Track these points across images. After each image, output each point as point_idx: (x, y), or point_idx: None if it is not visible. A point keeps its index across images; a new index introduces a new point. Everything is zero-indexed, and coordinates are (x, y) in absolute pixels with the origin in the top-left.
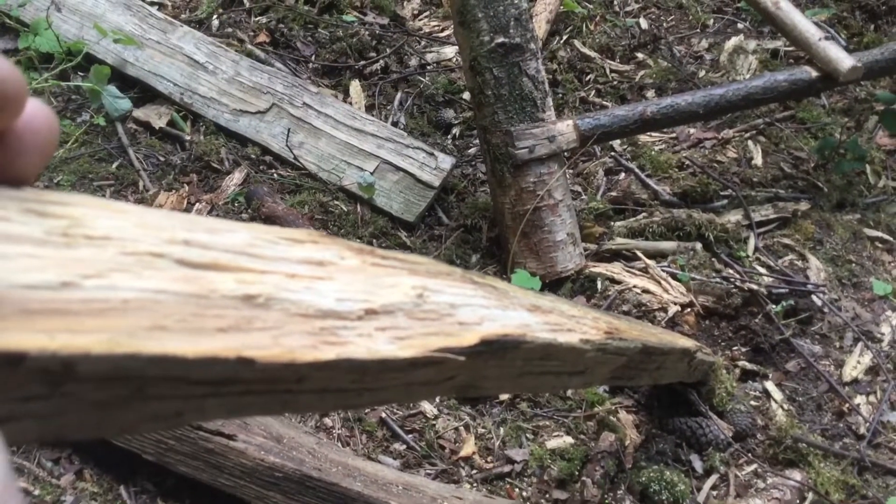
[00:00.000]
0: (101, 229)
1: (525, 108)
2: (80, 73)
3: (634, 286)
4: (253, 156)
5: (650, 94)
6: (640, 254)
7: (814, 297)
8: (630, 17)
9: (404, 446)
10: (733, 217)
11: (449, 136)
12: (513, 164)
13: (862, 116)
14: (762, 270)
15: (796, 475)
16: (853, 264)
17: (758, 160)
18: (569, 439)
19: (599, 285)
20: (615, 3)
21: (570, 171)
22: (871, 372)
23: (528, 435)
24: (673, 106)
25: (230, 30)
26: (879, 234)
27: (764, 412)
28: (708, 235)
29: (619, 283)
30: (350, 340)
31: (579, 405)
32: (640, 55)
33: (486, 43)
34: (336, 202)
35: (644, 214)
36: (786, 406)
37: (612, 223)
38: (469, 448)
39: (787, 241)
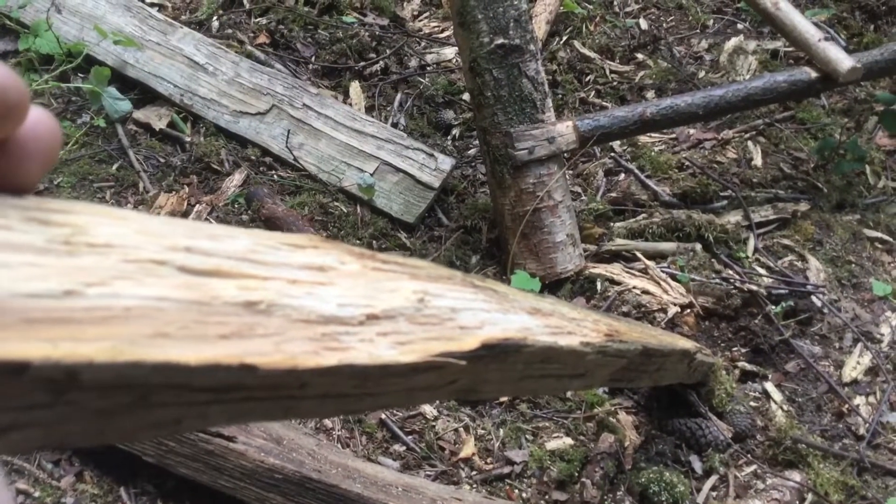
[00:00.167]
0: (103, 237)
1: (525, 110)
2: (80, 74)
3: (634, 287)
4: (253, 157)
5: (650, 94)
6: (639, 255)
7: (813, 298)
8: (630, 17)
9: (404, 448)
10: (733, 218)
11: (449, 138)
12: (512, 166)
13: (862, 117)
14: (762, 271)
15: (796, 476)
16: (853, 265)
17: (757, 161)
18: (568, 440)
19: (599, 286)
20: (615, 3)
21: (570, 172)
22: (871, 373)
23: (527, 436)
24: (672, 107)
25: (230, 31)
26: (879, 234)
27: (763, 413)
28: (708, 236)
29: (618, 284)
30: (352, 346)
31: (579, 406)
32: (639, 56)
33: (485, 44)
34: (336, 203)
35: (644, 215)
36: (785, 407)
37: (612, 224)
38: (469, 449)
39: (786, 241)
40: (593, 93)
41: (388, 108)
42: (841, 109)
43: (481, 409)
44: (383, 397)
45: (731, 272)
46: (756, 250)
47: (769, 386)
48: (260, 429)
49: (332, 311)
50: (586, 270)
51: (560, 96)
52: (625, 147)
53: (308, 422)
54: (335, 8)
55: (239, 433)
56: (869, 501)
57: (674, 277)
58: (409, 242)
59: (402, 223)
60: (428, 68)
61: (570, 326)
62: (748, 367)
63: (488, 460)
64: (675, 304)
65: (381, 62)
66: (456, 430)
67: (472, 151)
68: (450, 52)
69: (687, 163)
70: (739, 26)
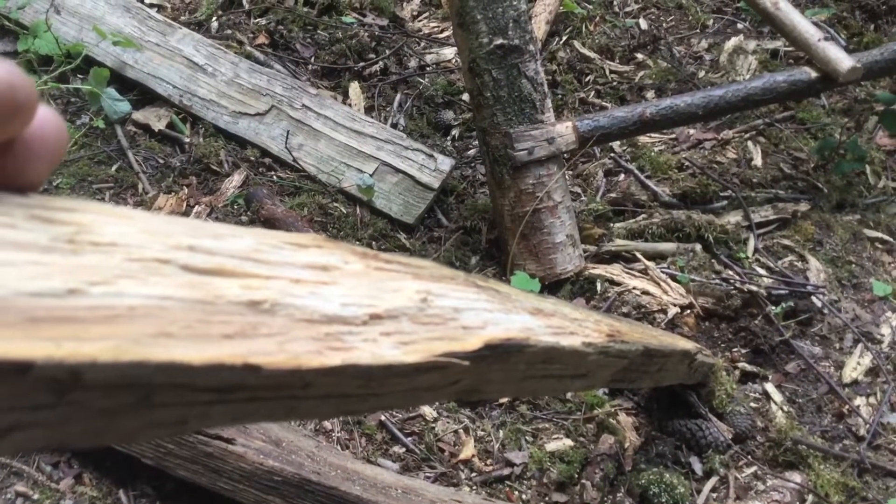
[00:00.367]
0: (107, 236)
1: (524, 110)
2: (79, 75)
3: (634, 288)
4: (252, 158)
5: (650, 94)
6: (639, 255)
7: (814, 299)
8: (630, 17)
9: (403, 449)
10: (733, 218)
11: (448, 138)
12: (512, 166)
13: (862, 117)
14: (762, 272)
15: (796, 477)
16: (853, 265)
17: (757, 161)
18: (568, 442)
19: (599, 287)
20: (615, 3)
21: (570, 172)
22: (871, 373)
23: (527, 437)
24: (672, 107)
25: (229, 32)
26: (879, 234)
27: (764, 414)
28: (707, 237)
29: (618, 284)
30: (355, 346)
31: (579, 407)
32: (639, 56)
33: (484, 44)
34: (335, 204)
35: (643, 216)
36: (786, 408)
37: (612, 224)
38: (468, 451)
39: (786, 242)
40: (593, 93)
41: (388, 109)
42: (841, 109)
43: (481, 411)
44: (386, 397)
45: (731, 273)
46: (756, 251)
47: (769, 387)
48: (259, 431)
49: (336, 310)
50: (586, 271)
51: (560, 96)
52: (624, 147)
53: (307, 423)
54: (334, 8)
55: (238, 435)
56: (869, 502)
57: (674, 278)
58: (408, 243)
59: (401, 224)
60: (427, 69)
61: (572, 327)
62: (748, 367)
63: (488, 462)
64: (675, 305)
65: (381, 62)
66: (455, 431)
67: (471, 152)
68: (449, 53)
69: (687, 163)
70: (739, 26)
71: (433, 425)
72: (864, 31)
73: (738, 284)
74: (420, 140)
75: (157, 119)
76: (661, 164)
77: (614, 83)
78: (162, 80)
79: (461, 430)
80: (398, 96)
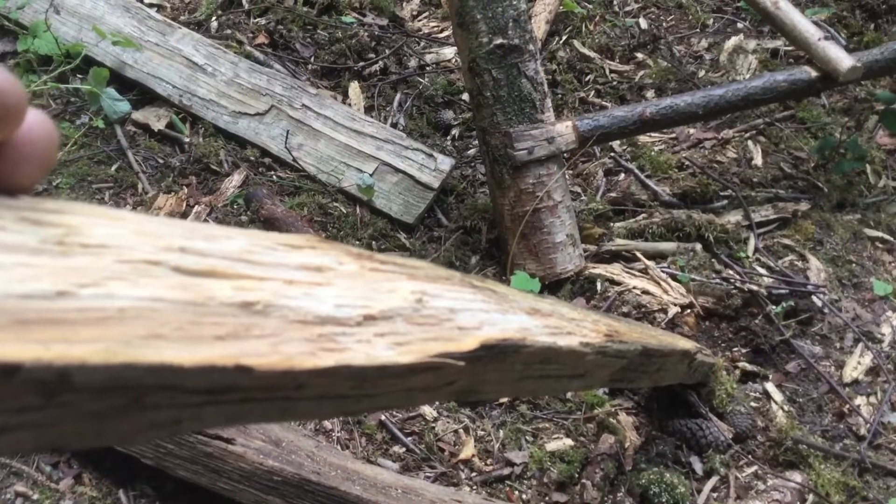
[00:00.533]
0: (97, 237)
1: (524, 110)
2: (78, 75)
3: (634, 287)
4: (252, 158)
5: (650, 94)
6: (639, 255)
7: (814, 298)
8: (629, 16)
9: (404, 449)
10: (733, 217)
11: (448, 138)
12: (512, 166)
13: (862, 116)
14: (762, 271)
15: (797, 477)
16: (853, 265)
17: (758, 160)
18: (568, 441)
19: (599, 287)
20: (615, 2)
21: (570, 172)
22: (872, 373)
23: (527, 437)
24: (672, 106)
25: (229, 31)
26: (880, 234)
27: (764, 413)
28: (708, 236)
29: (618, 284)
30: (349, 347)
31: (579, 407)
32: (639, 55)
33: (484, 44)
34: (335, 204)
35: (644, 215)
36: (786, 407)
37: (612, 224)
38: (468, 451)
39: (787, 241)
40: (593, 92)
41: (388, 109)
42: (841, 108)
43: (481, 411)
44: (381, 398)
45: (731, 272)
46: (756, 250)
47: (770, 386)
48: (259, 431)
49: (330, 311)
50: (586, 271)
51: (559, 96)
52: (624, 147)
53: (307, 423)
54: (334, 8)
55: (238, 435)
56: (870, 502)
57: (674, 277)
58: (408, 243)
59: (401, 224)
60: (427, 68)
61: (570, 327)
62: (749, 367)
63: (488, 462)
64: (675, 305)
65: (381, 62)
66: (456, 431)
67: (471, 152)
68: (449, 52)
69: (687, 162)
70: (739, 25)
71: (433, 425)
72: (865, 30)
73: (738, 284)
74: (420, 140)
75: (156, 119)
76: (661, 163)
77: (614, 83)
78: (161, 80)
79: (461, 430)
80: (398, 96)
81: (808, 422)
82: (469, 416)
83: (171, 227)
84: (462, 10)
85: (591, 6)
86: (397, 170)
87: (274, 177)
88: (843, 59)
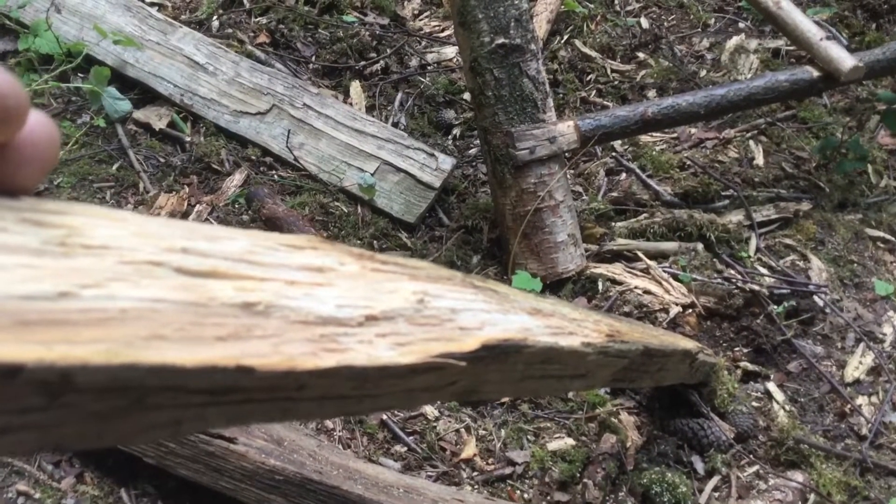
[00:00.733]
0: (98, 238)
1: (526, 109)
2: (80, 74)
3: (636, 287)
4: (253, 157)
5: (651, 93)
6: (641, 254)
7: (815, 298)
8: (631, 16)
9: (405, 448)
10: (735, 217)
11: (449, 137)
12: (513, 165)
13: (864, 116)
14: (764, 271)
15: (798, 476)
16: (855, 264)
17: (759, 160)
18: (570, 441)
19: (601, 286)
20: (616, 2)
21: (571, 171)
22: (873, 373)
23: (529, 437)
24: (674, 106)
25: (230, 31)
26: (881, 234)
27: (766, 413)
28: (709, 236)
29: (620, 283)
30: (350, 347)
31: (580, 407)
32: (641, 55)
33: (486, 44)
34: (336, 203)
35: (645, 215)
36: (787, 407)
37: (613, 224)
38: (470, 450)
39: (788, 241)
40: (594, 92)
41: (389, 108)
42: (843, 108)
43: (483, 410)
44: (383, 399)
45: (732, 272)
46: (758, 250)
47: (771, 386)
48: (261, 430)
49: (331, 312)
50: (588, 270)
51: (561, 96)
52: (626, 146)
53: (309, 423)
54: (335, 7)
55: (240, 434)
56: (871, 502)
57: (675, 277)
58: (409, 242)
59: (402, 223)
60: (428, 68)
61: (571, 327)
62: (750, 367)
63: (490, 461)
64: (676, 304)
65: (382, 62)
66: (457, 430)
67: (472, 151)
68: (450, 52)
69: (688, 162)
70: (741, 25)
71: (435, 424)
72: (866, 30)
73: (739, 284)
74: (421, 139)
75: (157, 118)
76: (662, 163)
77: (616, 82)
78: (163, 79)
79: (463, 430)
80: (399, 95)
81: (810, 421)
82: (470, 415)
83: (173, 227)
84: (464, 10)
85: (592, 6)
86: (398, 169)
87: (275, 176)
88: (844, 59)
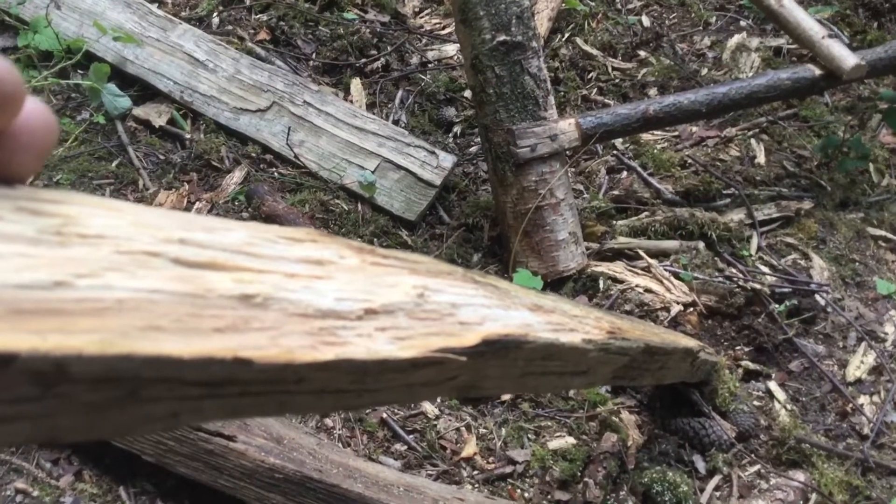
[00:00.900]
0: (95, 228)
1: (527, 107)
2: (79, 70)
3: (637, 285)
4: (253, 154)
5: (652, 92)
6: (642, 253)
7: (817, 297)
8: (632, 14)
9: (405, 447)
10: (736, 216)
11: (450, 135)
12: (514, 163)
13: (865, 115)
14: (765, 270)
15: (800, 476)
16: (857, 263)
17: (760, 159)
18: (571, 440)
19: (601, 285)
20: (617, 0)
21: (572, 169)
22: (875, 372)
23: (529, 435)
24: (676, 104)
25: (230, 27)
26: (883, 232)
27: (767, 412)
28: (711, 234)
29: (621, 282)
30: (349, 341)
31: (581, 405)
32: (642, 53)
33: (487, 41)
34: (337, 201)
35: (646, 213)
36: (789, 406)
37: (614, 222)
38: (470, 449)
39: (790, 240)
40: (595, 90)
41: (390, 106)
42: (844, 107)
43: (483, 408)
44: (382, 393)
45: (734, 270)
46: (759, 248)
47: (773, 385)
48: (260, 428)
49: (330, 305)
50: (589, 269)
51: (562, 93)
52: (627, 144)
53: (309, 420)
54: (336, 4)
55: (239, 432)
56: (873, 501)
57: (677, 276)
58: (410, 240)
59: (403, 221)
60: (429, 65)
61: (572, 323)
62: (751, 366)
63: (490, 460)
64: (677, 303)
65: (382, 59)
66: (458, 429)
67: (473, 149)
68: (451, 49)
69: (690, 160)
70: (742, 23)
71: (435, 423)
72: (868, 28)
73: (741, 282)
74: (422, 137)
75: (157, 115)
76: (663, 161)
77: (617, 80)
78: (162, 76)
79: (463, 428)
80: (400, 93)
81: (812, 421)
82: (471, 413)
83: (171, 218)
84: (465, 7)
85: (593, 4)
86: (399, 167)
87: (275, 173)
88: (846, 58)
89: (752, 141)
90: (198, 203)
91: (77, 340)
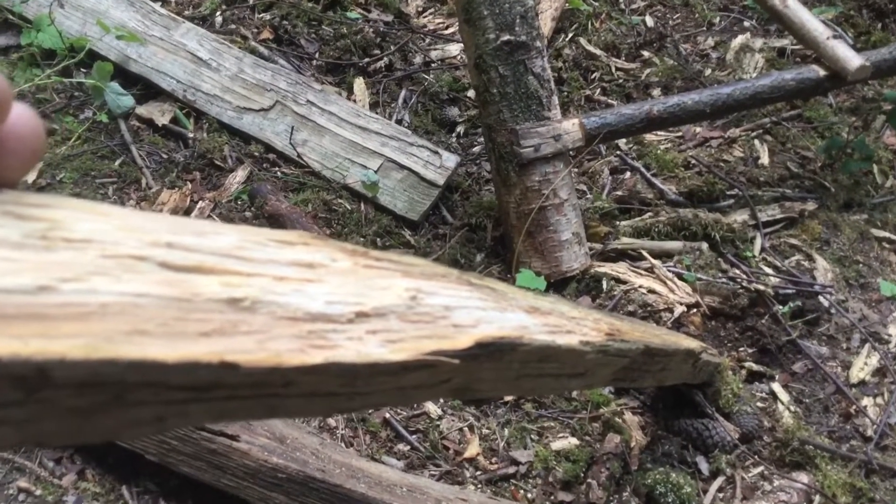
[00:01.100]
0: (81, 232)
1: (530, 107)
2: (82, 69)
3: (640, 286)
4: (256, 153)
5: (656, 92)
6: (645, 253)
7: (821, 298)
8: (636, 14)
9: (408, 447)
10: (739, 217)
11: (453, 135)
12: (518, 163)
13: (869, 116)
14: (769, 271)
15: (803, 477)
16: (860, 265)
17: (764, 159)
18: (574, 441)
19: (605, 285)
20: (621, 0)
21: (575, 170)
22: (879, 374)
23: (532, 436)
24: (680, 105)
25: (234, 26)
26: (887, 234)
27: (770, 414)
28: (714, 235)
29: (624, 283)
30: (339, 344)
31: (584, 406)
32: (645, 53)
33: (491, 41)
34: (340, 200)
35: (650, 214)
36: (792, 408)
37: (618, 223)
38: (473, 449)
39: (793, 241)
40: (599, 90)
41: (393, 105)
42: (848, 108)
43: (486, 409)
44: (374, 396)
45: (737, 271)
46: (763, 250)
47: (776, 386)
48: (263, 427)
49: (320, 308)
50: (592, 269)
51: (565, 94)
52: (630, 145)
53: (311, 420)
54: (339, 3)
55: (242, 432)
56: (877, 503)
57: (680, 277)
58: (413, 240)
59: (406, 221)
60: (432, 65)
61: (570, 325)
62: (755, 367)
63: (493, 460)
64: (681, 304)
65: (386, 58)
66: (460, 429)
67: (476, 149)
68: (454, 49)
69: (693, 161)
70: (746, 24)
71: (438, 423)
72: (872, 29)
73: (744, 283)
74: (425, 137)
75: (160, 114)
76: (667, 162)
77: (620, 80)
78: (166, 75)
79: (466, 428)
80: (403, 92)
81: (815, 422)
82: (474, 414)
83: (159, 222)
84: (469, 6)
85: (597, 4)
86: (402, 166)
87: (278, 173)
88: (851, 59)
89: (756, 142)
90: (201, 202)
91: (60, 345)
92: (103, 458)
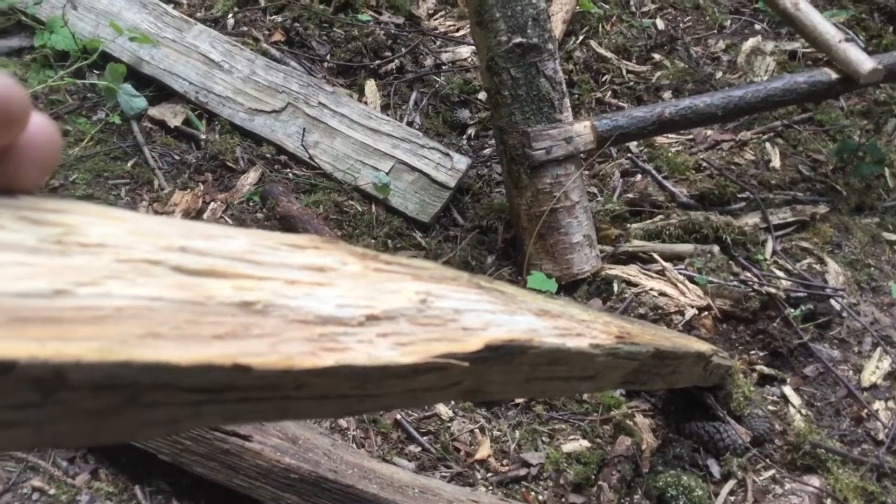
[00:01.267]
0: (95, 236)
1: (542, 109)
2: (95, 71)
3: (651, 289)
4: (268, 155)
5: (667, 95)
6: (656, 256)
7: (832, 302)
8: (646, 17)
9: (419, 448)
10: (751, 220)
11: (464, 137)
12: (529, 165)
13: (881, 119)
14: (780, 274)
15: (814, 481)
16: (872, 268)
17: (776, 162)
18: (585, 443)
19: (616, 288)
20: (631, 3)
21: (586, 172)
22: (890, 377)
23: (543, 438)
24: (691, 107)
25: (245, 28)
26: None
27: (782, 417)
28: (725, 238)
29: (635, 285)
30: (350, 347)
31: (595, 409)
32: (656, 56)
33: (503, 43)
34: (351, 202)
35: (661, 216)
36: (804, 411)
37: (629, 225)
38: (484, 451)
39: (805, 244)
40: (610, 93)
41: (404, 107)
42: (860, 111)
43: (497, 411)
44: (384, 398)
45: (749, 274)
46: (774, 253)
47: (788, 390)
48: (275, 428)
49: (331, 311)
50: (603, 272)
51: (576, 96)
52: (641, 147)
53: (323, 422)
54: (350, 6)
55: (254, 432)
56: None
57: (691, 279)
58: (424, 242)
59: (417, 223)
60: (443, 67)
61: (580, 328)
62: (766, 370)
63: (504, 462)
64: (692, 307)
65: (397, 61)
66: (471, 431)
67: (487, 151)
68: (465, 51)
69: (704, 164)
70: (757, 27)
71: (449, 425)
72: (883, 32)
73: (756, 286)
74: (436, 139)
75: (172, 115)
76: (678, 164)
77: (631, 83)
78: (178, 77)
79: (477, 430)
80: (414, 94)
81: (827, 426)
82: (485, 416)
83: (171, 226)
84: (481, 9)
85: (607, 6)
86: (413, 168)
87: (290, 174)
88: (863, 62)
89: (768, 145)
90: (213, 203)
91: (76, 348)
92: (116, 457)
